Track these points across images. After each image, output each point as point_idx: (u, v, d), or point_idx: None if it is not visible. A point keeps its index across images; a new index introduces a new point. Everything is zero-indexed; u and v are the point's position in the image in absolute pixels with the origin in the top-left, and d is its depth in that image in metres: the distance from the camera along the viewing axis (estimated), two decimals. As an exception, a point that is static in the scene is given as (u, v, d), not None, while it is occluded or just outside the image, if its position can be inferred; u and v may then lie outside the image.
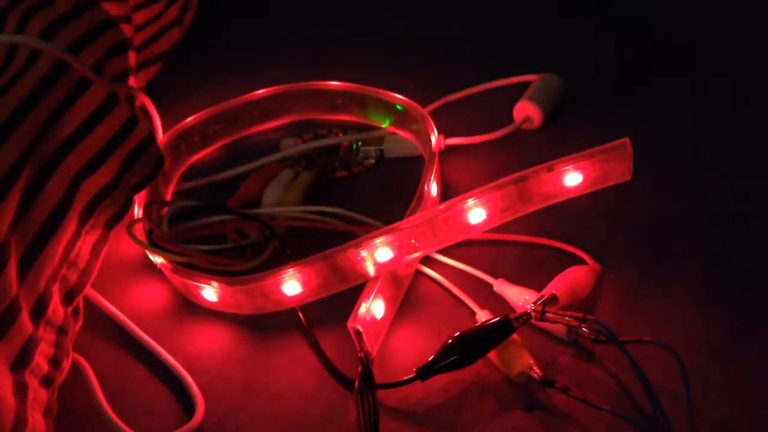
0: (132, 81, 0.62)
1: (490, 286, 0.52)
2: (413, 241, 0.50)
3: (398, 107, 0.66)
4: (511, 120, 0.66)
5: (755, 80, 0.69)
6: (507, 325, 0.46)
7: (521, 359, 0.46)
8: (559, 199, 0.52)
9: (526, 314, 0.47)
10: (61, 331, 0.47)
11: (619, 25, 0.80)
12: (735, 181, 0.58)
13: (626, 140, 0.50)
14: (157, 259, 0.55)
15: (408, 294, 0.53)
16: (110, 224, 0.53)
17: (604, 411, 0.43)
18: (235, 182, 0.64)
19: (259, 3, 0.93)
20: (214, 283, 0.51)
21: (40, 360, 0.45)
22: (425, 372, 0.45)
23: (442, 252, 0.54)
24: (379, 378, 0.46)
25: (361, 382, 0.45)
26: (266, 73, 0.77)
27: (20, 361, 0.42)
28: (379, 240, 0.49)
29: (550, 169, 0.50)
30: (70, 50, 0.52)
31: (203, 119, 0.68)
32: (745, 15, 0.78)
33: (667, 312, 0.49)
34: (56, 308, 0.47)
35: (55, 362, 0.46)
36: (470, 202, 0.50)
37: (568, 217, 0.56)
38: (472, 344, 0.46)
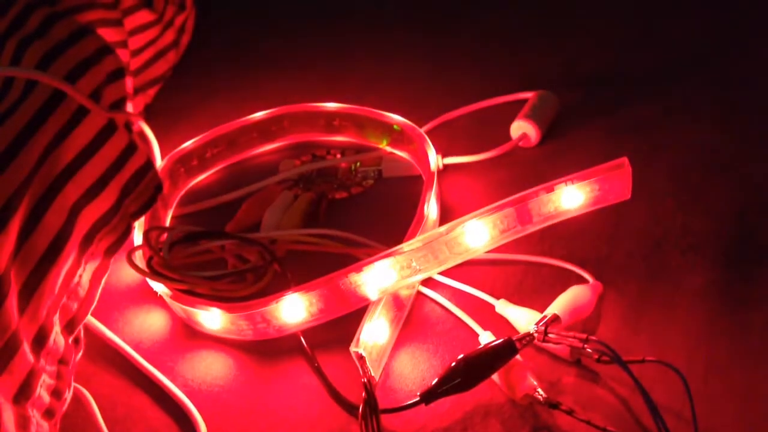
0: (129, 106, 0.62)
1: (492, 306, 0.52)
2: (414, 263, 0.50)
3: (395, 127, 0.66)
4: (508, 138, 0.67)
5: (752, 93, 0.69)
6: (510, 346, 0.46)
7: (525, 381, 0.46)
8: (558, 219, 0.52)
9: (529, 335, 0.46)
10: (63, 361, 0.47)
11: (615, 41, 0.80)
12: (735, 197, 0.58)
13: (625, 160, 0.50)
14: (158, 287, 0.54)
15: (410, 316, 0.53)
16: (110, 252, 0.53)
17: (609, 432, 0.43)
18: (234, 206, 0.64)
19: (255, 26, 0.94)
20: (215, 310, 0.51)
21: (42, 391, 0.44)
22: (429, 396, 0.45)
23: (442, 273, 0.54)
24: (382, 402, 0.46)
25: (365, 407, 0.45)
26: (263, 95, 0.78)
27: (22, 394, 0.42)
28: (380, 263, 0.49)
29: (548, 190, 0.50)
30: (67, 79, 0.52)
31: (201, 143, 0.68)
32: (742, 28, 0.79)
33: (669, 329, 0.49)
34: (57, 338, 0.47)
35: (56, 393, 0.46)
36: (470, 224, 0.50)
37: (568, 236, 0.56)
38: (476, 367, 0.45)
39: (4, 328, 0.41)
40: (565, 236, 0.56)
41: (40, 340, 0.45)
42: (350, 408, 0.48)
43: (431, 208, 0.56)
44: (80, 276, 0.50)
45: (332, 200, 0.64)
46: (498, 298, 0.52)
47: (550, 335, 0.46)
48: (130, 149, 0.53)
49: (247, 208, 0.63)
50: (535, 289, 0.53)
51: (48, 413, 0.45)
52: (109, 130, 0.52)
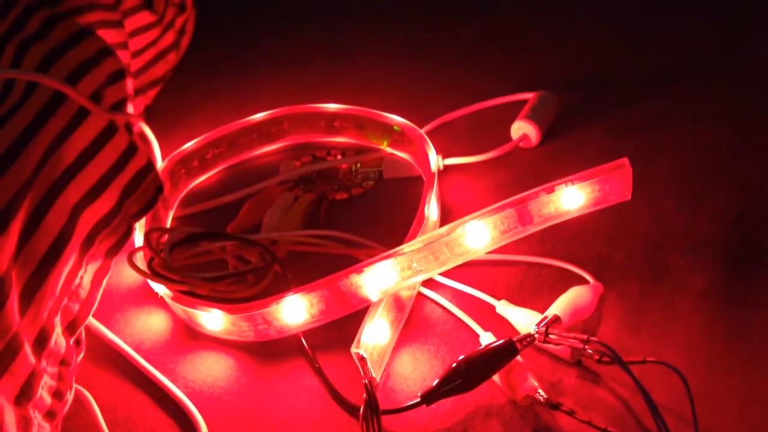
0: (130, 107, 0.62)
1: (493, 307, 0.52)
2: (415, 264, 0.50)
3: (396, 128, 0.66)
4: (508, 138, 0.67)
5: (752, 93, 0.69)
6: (511, 347, 0.46)
7: (526, 382, 0.46)
8: (558, 220, 0.52)
9: (530, 336, 0.46)
10: (64, 362, 0.47)
11: (615, 41, 0.80)
12: (735, 197, 0.59)
13: (625, 160, 0.50)
14: (159, 288, 0.55)
15: (410, 317, 0.53)
16: (111, 253, 0.53)
17: (610, 433, 0.43)
18: (235, 207, 0.64)
19: (256, 27, 0.93)
20: (216, 311, 0.51)
21: (44, 393, 0.44)
22: (430, 397, 0.45)
23: (443, 274, 0.54)
24: (383, 403, 0.46)
25: (366, 408, 0.45)
26: (263, 96, 0.78)
27: (24, 395, 0.42)
28: (380, 264, 0.49)
29: (549, 191, 0.50)
30: (68, 80, 0.52)
31: (202, 144, 0.68)
32: (742, 28, 0.79)
33: (670, 329, 0.49)
34: (58, 340, 0.47)
35: (58, 395, 0.46)
36: (471, 224, 0.50)
37: (569, 237, 0.56)
38: (477, 368, 0.45)
39: (5, 330, 0.41)
40: (565, 237, 0.56)
41: (41, 342, 0.45)
42: (351, 409, 0.48)
43: (432, 209, 0.56)
44: (81, 277, 0.50)
45: (333, 201, 0.64)
46: (499, 298, 0.52)
47: (550, 336, 0.46)
48: (131, 150, 0.53)
49: (247, 210, 0.63)
50: (535, 289, 0.53)
51: (49, 414, 0.45)
52: (110, 132, 0.52)
